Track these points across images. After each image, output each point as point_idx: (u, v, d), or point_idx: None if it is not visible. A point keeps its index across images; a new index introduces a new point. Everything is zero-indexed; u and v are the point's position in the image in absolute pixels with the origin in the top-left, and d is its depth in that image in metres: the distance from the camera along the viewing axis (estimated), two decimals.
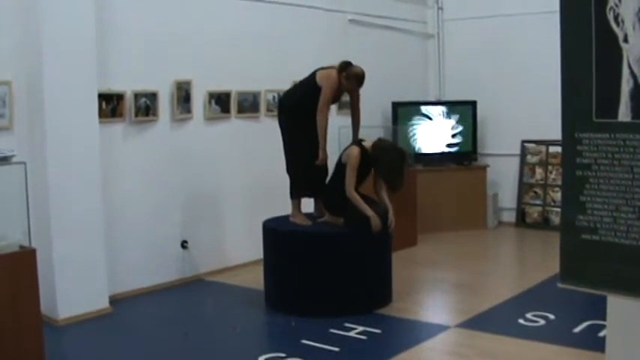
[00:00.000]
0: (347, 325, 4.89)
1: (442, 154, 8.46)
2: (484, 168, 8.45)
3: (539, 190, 8.39)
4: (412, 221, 7.41)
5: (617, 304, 2.94)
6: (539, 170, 8.41)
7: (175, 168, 6.07)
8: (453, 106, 8.49)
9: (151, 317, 5.34)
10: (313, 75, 5.42)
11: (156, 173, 5.93)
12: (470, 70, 8.67)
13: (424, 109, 8.42)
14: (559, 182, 7.80)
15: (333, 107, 6.43)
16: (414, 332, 4.92)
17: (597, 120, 2.22)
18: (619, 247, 2.20)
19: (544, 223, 8.26)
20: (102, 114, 5.38)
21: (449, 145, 8.45)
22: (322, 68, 5.45)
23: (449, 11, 8.92)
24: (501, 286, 5.96)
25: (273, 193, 6.36)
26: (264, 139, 6.59)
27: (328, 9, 7.48)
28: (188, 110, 6.12)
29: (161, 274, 5.99)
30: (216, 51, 6.31)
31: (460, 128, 8.44)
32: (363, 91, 5.59)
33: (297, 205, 5.52)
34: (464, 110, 8.45)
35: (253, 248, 6.15)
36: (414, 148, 8.27)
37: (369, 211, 5.13)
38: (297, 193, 5.52)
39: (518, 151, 8.54)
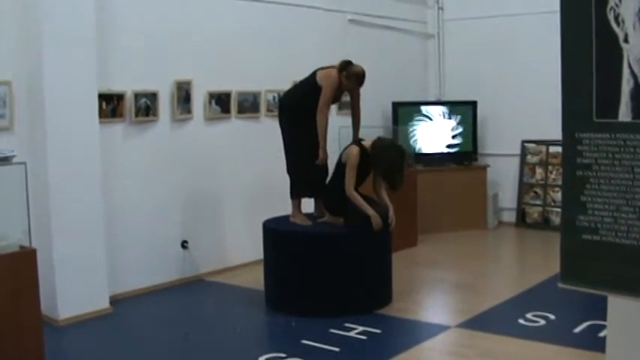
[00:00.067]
0: (347, 325, 4.89)
1: (442, 154, 8.46)
2: (484, 168, 8.45)
3: (539, 190, 8.39)
4: (412, 221, 7.40)
5: (617, 305, 2.94)
6: (539, 170, 8.41)
7: (176, 168, 6.07)
8: (453, 106, 8.49)
9: (152, 317, 5.34)
10: (313, 75, 5.42)
11: (156, 173, 5.93)
12: (470, 70, 8.67)
13: (424, 109, 8.42)
14: (559, 182, 7.80)
15: (333, 107, 6.43)
16: (414, 332, 4.92)
17: (598, 120, 2.22)
18: (620, 247, 2.20)
19: (544, 223, 8.25)
20: (102, 114, 5.38)
21: (449, 146, 8.45)
22: (322, 68, 5.45)
23: (449, 11, 8.92)
24: (502, 286, 5.96)
25: (273, 193, 6.36)
26: (264, 139, 6.60)
27: (328, 9, 7.48)
28: (188, 110, 6.12)
29: (161, 274, 5.99)
30: (217, 51, 6.31)
31: (460, 129, 8.44)
32: (363, 91, 5.59)
33: (297, 206, 5.52)
34: (464, 110, 8.45)
35: (253, 248, 6.15)
36: (414, 149, 8.27)
37: (369, 210, 5.13)
38: (297, 193, 5.52)
39: (518, 151, 8.54)
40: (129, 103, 5.64)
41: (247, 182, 6.68)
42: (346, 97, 5.81)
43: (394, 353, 4.39)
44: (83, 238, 5.13)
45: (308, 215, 5.57)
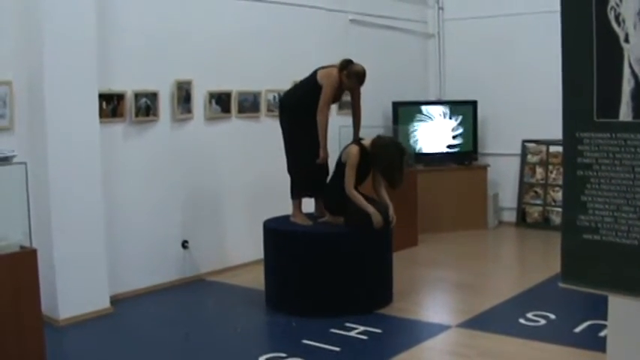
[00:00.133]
0: (348, 325, 4.89)
1: (442, 154, 8.46)
2: (484, 168, 8.45)
3: (539, 190, 8.39)
4: (413, 221, 7.40)
5: (618, 304, 2.94)
6: (539, 170, 8.41)
7: (176, 168, 6.07)
8: (453, 106, 8.49)
9: (152, 317, 5.34)
10: (314, 74, 5.41)
11: (156, 173, 5.93)
12: (470, 69, 8.67)
13: (425, 108, 8.43)
14: (559, 182, 7.80)
15: (334, 107, 6.44)
16: (415, 332, 4.92)
17: (598, 120, 2.22)
18: (620, 247, 2.20)
19: (544, 223, 8.25)
20: (102, 114, 5.38)
21: (449, 146, 8.45)
22: (323, 67, 5.44)
23: (449, 11, 8.92)
24: (502, 286, 5.96)
25: (273, 193, 6.36)
26: (264, 139, 6.60)
27: (329, 9, 7.48)
28: (188, 110, 6.12)
29: (162, 274, 5.99)
30: (217, 51, 6.31)
31: (461, 130, 8.43)
32: (364, 91, 5.59)
33: (297, 205, 5.52)
34: (464, 110, 8.45)
35: (254, 248, 6.15)
36: (414, 148, 8.27)
37: (369, 208, 5.13)
38: (297, 193, 5.52)
39: (518, 150, 8.54)
40: (129, 103, 5.64)
41: (248, 182, 6.68)
42: (347, 97, 5.81)
43: (395, 353, 4.39)
44: (84, 238, 5.13)
45: (308, 215, 5.57)
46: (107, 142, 5.45)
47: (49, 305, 4.86)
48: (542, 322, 4.91)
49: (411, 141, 8.28)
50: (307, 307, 5.15)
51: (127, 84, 5.61)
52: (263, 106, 6.77)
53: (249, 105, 6.66)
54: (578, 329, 4.70)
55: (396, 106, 8.25)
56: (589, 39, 2.20)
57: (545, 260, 6.81)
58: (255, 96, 6.70)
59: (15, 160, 4.20)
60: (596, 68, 2.20)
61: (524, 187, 8.50)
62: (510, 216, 8.64)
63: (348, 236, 5.22)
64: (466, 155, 8.48)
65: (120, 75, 5.57)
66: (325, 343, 4.55)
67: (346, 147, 5.36)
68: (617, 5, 2.13)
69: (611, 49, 2.15)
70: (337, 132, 6.34)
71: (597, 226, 2.25)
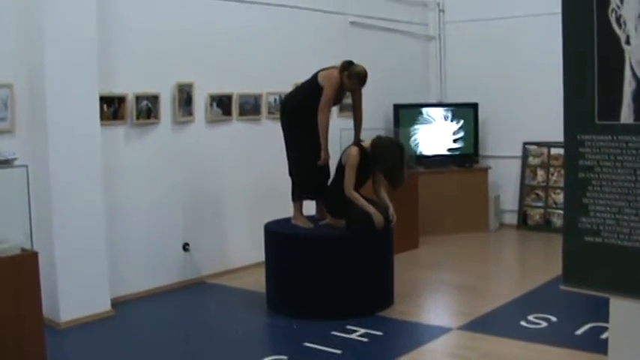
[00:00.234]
0: (349, 327, 4.89)
1: (443, 156, 8.45)
2: (485, 170, 8.44)
3: (540, 192, 8.38)
4: (414, 224, 7.40)
5: (619, 307, 2.94)
6: (540, 172, 8.40)
7: (177, 171, 6.07)
8: (454, 108, 8.49)
9: (153, 320, 5.34)
10: (315, 76, 5.41)
11: (157, 176, 5.93)
12: (471, 72, 8.67)
13: (426, 111, 8.43)
14: (561, 184, 7.80)
15: (335, 109, 6.44)
16: (416, 335, 4.91)
17: (600, 122, 2.22)
18: (622, 249, 2.20)
19: (546, 225, 8.25)
20: (103, 117, 5.38)
21: (450, 148, 8.45)
22: (324, 69, 5.44)
23: (450, 13, 8.92)
24: (503, 289, 5.95)
25: (274, 195, 6.36)
26: (265, 141, 6.59)
27: (329, 11, 7.48)
28: (189, 113, 6.12)
29: (163, 277, 5.99)
30: (218, 53, 6.31)
31: (462, 135, 8.43)
32: (365, 93, 5.59)
33: (298, 208, 5.52)
34: (465, 112, 8.45)
35: (255, 251, 6.15)
36: (415, 151, 8.27)
37: (370, 208, 5.13)
38: (298, 195, 5.52)
39: (519, 153, 8.53)
40: (130, 106, 5.64)
41: (249, 184, 6.68)
42: (348, 100, 5.81)
43: (396, 355, 4.39)
44: (85, 241, 5.13)
45: (309, 217, 5.57)
46: (108, 144, 5.46)
47: (50, 308, 4.86)
48: (544, 324, 4.90)
49: (412, 143, 8.28)
50: (308, 310, 5.15)
51: (128, 86, 5.61)
52: (264, 109, 6.77)
53: (250, 107, 6.66)
54: (579, 332, 4.69)
55: (397, 108, 8.25)
56: (590, 41, 2.20)
57: (546, 262, 6.80)
58: (256, 98, 6.71)
59: (16, 162, 4.21)
60: (597, 70, 2.20)
61: (525, 190, 8.49)
62: (511, 218, 8.63)
63: (349, 239, 5.22)
64: (467, 157, 8.48)
65: (121, 77, 5.57)
66: (326, 346, 4.54)
67: (346, 149, 5.36)
68: (618, 7, 2.13)
69: (613, 51, 2.15)
70: (338, 135, 6.34)
71: (599, 228, 2.25)
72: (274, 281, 5.40)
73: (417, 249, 7.44)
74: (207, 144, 6.32)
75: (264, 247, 5.49)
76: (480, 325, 4.96)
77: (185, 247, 6.17)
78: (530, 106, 8.16)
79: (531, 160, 8.47)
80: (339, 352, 4.46)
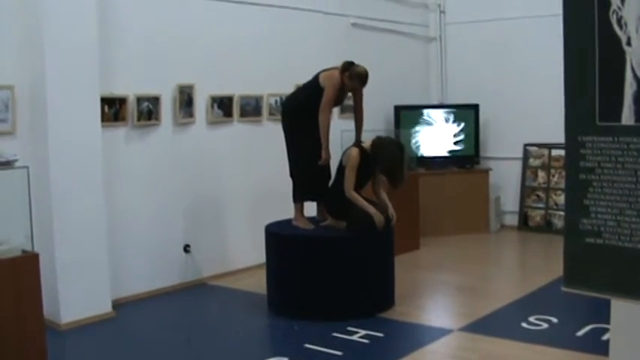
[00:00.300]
0: (350, 329, 4.88)
1: (444, 157, 8.45)
2: (486, 171, 8.44)
3: (541, 194, 8.38)
4: (415, 225, 7.40)
5: (620, 308, 2.94)
6: (541, 173, 8.40)
7: (178, 172, 6.08)
8: (455, 110, 8.49)
9: (154, 322, 5.34)
10: (316, 77, 5.41)
11: (158, 177, 5.93)
12: (472, 73, 8.67)
13: (426, 112, 8.43)
14: (561, 185, 7.80)
15: (336, 111, 6.43)
16: (417, 336, 4.91)
17: (600, 123, 2.22)
18: (623, 250, 2.19)
19: (546, 227, 8.24)
20: (104, 118, 5.38)
21: (451, 150, 8.45)
22: (325, 70, 5.45)
23: (451, 15, 8.92)
24: (504, 290, 5.95)
25: (275, 196, 6.36)
26: (266, 142, 6.60)
27: (330, 13, 7.48)
28: (190, 114, 6.12)
29: (164, 279, 5.99)
30: (219, 55, 6.32)
31: (462, 136, 8.43)
32: (366, 94, 5.59)
33: (299, 209, 5.52)
34: (466, 114, 8.45)
35: (256, 252, 6.14)
36: (416, 152, 8.26)
37: (370, 209, 5.13)
38: (299, 196, 5.52)
39: (520, 154, 8.53)
40: (131, 107, 5.64)
41: (250, 186, 6.68)
42: (349, 101, 5.81)
43: (397, 357, 4.39)
44: (85, 242, 5.13)
45: (310, 219, 5.57)
46: (109, 146, 5.46)
47: (51, 309, 4.86)
48: (545, 325, 4.90)
49: (413, 145, 8.28)
50: (309, 311, 5.15)
51: (129, 88, 5.62)
52: (265, 110, 6.77)
53: (251, 109, 6.66)
54: (580, 333, 4.69)
55: (398, 109, 8.25)
56: (591, 42, 2.20)
57: (547, 264, 6.79)
58: (257, 100, 6.71)
59: (17, 164, 4.21)
60: (598, 72, 2.20)
61: (526, 191, 8.49)
62: (512, 219, 8.63)
63: (350, 240, 5.21)
64: (468, 159, 8.47)
65: (122, 79, 5.58)
66: (327, 347, 4.54)
67: (347, 150, 5.36)
68: (619, 9, 2.13)
69: (613, 52, 2.15)
70: (339, 136, 6.35)
71: (600, 229, 2.25)
72: (275, 282, 5.40)
73: (417, 250, 7.43)
74: (208, 145, 6.32)
75: (265, 249, 5.49)
76: (481, 326, 4.96)
77: (186, 248, 6.17)
78: (531, 107, 8.16)
79: (532, 162, 8.47)
80: (339, 353, 4.46)
